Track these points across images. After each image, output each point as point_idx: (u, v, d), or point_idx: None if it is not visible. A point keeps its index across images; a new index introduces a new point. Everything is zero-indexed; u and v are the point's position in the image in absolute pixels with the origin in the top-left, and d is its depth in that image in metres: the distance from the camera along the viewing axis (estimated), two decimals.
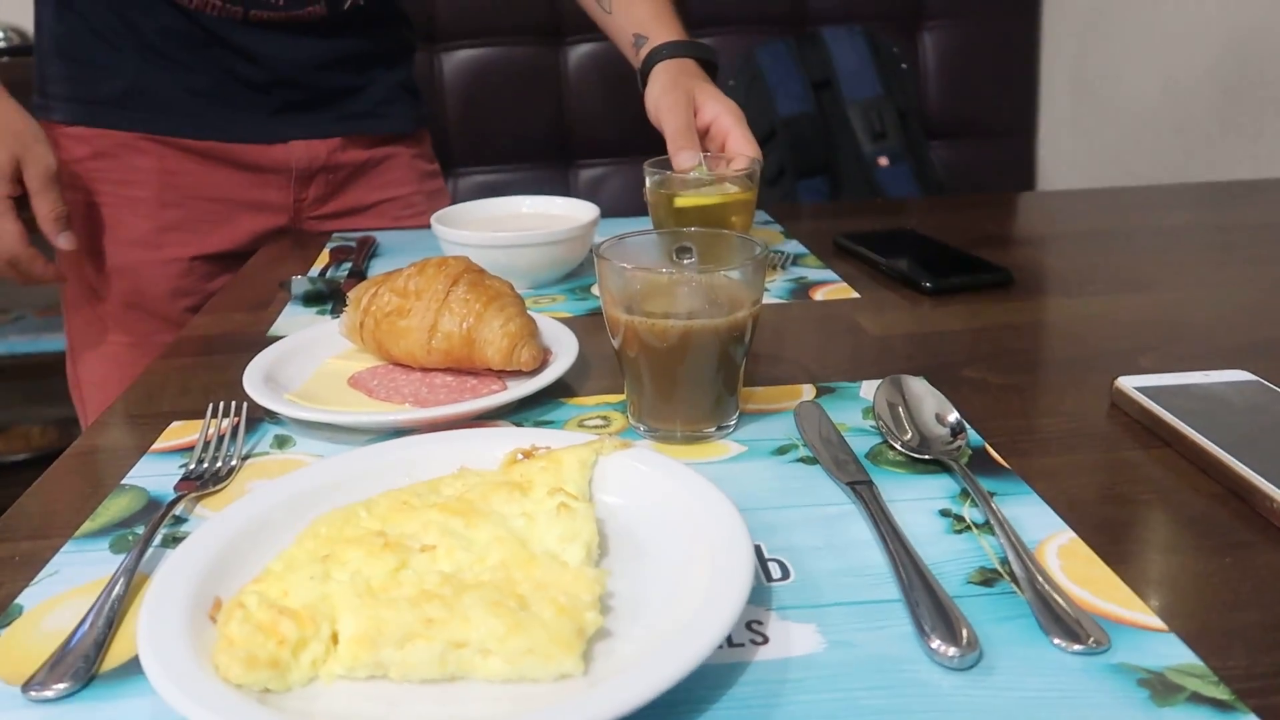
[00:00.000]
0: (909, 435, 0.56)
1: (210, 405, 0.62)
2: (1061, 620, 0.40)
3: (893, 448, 0.56)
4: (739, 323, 0.56)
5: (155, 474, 0.57)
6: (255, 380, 0.63)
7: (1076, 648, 0.39)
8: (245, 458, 0.58)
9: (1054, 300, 0.86)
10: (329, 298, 0.88)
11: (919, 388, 0.61)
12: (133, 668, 0.40)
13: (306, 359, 0.70)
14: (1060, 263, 0.97)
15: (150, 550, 0.48)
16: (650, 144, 0.95)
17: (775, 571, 0.45)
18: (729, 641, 0.40)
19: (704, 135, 0.95)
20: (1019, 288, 0.86)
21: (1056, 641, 0.39)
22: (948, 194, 1.95)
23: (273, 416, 0.63)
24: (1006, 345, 0.74)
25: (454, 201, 1.04)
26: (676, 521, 0.46)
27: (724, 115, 0.94)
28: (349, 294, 0.69)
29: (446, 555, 0.42)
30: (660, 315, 0.55)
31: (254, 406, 0.62)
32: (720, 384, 0.57)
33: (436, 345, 0.65)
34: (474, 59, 1.98)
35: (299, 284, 0.88)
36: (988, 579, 0.44)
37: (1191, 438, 0.54)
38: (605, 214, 0.94)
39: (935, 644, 0.39)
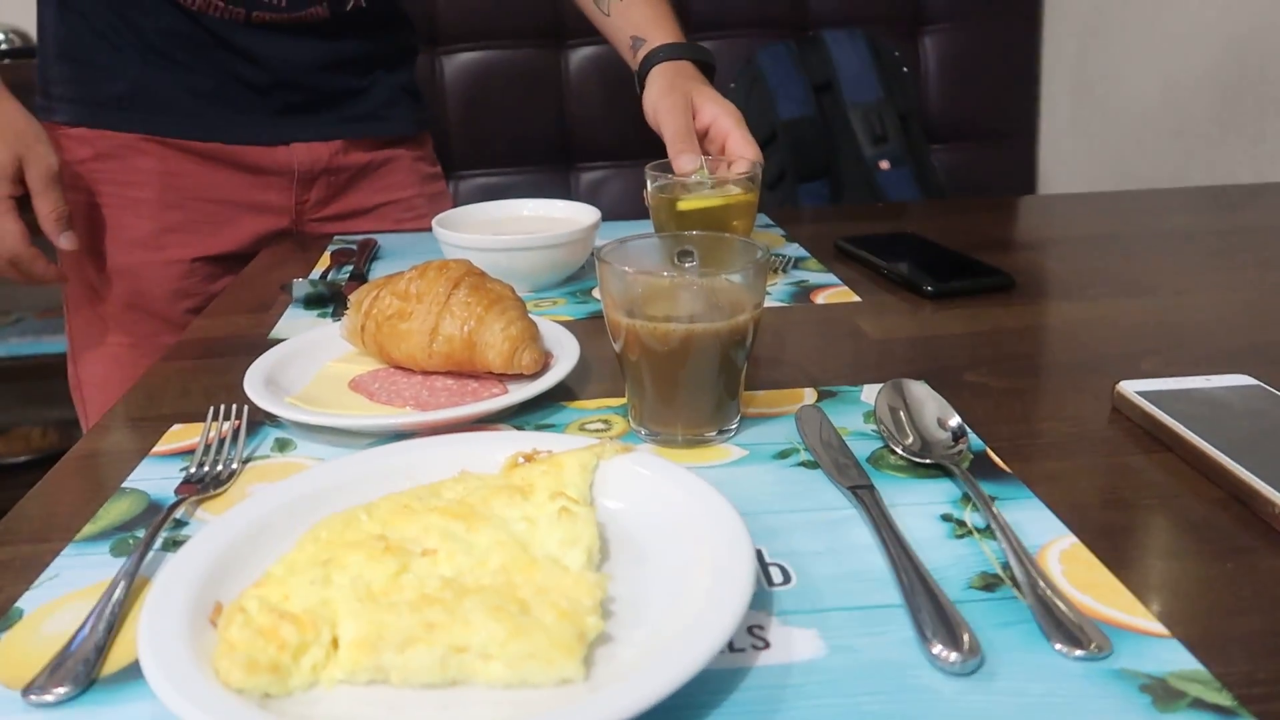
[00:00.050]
0: (910, 439, 0.56)
1: (211, 408, 0.62)
2: (1063, 625, 0.40)
3: (894, 452, 0.56)
4: (740, 326, 0.56)
5: (156, 477, 0.57)
6: (256, 383, 0.63)
7: (1078, 653, 0.39)
8: (246, 461, 0.58)
9: (1055, 304, 0.86)
10: (330, 300, 0.88)
11: (920, 392, 0.61)
12: (133, 672, 0.39)
13: (307, 362, 0.70)
14: (1061, 266, 0.97)
15: (151, 554, 0.48)
16: (651, 147, 0.95)
17: (776, 576, 0.45)
18: (730, 646, 0.40)
19: (703, 137, 0.95)
20: (1020, 291, 0.86)
21: (1058, 647, 0.39)
22: (949, 197, 1.95)
23: (274, 420, 0.63)
24: (1008, 349, 0.74)
25: (455, 204, 1.04)
26: (678, 526, 0.46)
27: (723, 117, 0.94)
28: (350, 297, 0.69)
29: (447, 559, 0.42)
30: (661, 319, 0.55)
31: (255, 409, 0.62)
32: (721, 388, 0.57)
33: (437, 348, 0.65)
34: (475, 61, 1.98)
35: (300, 287, 0.88)
36: (989, 584, 0.44)
37: (1193, 442, 0.54)
38: (606, 216, 0.94)
39: (937, 649, 0.39)
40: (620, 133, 1.89)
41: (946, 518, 0.49)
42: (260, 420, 0.63)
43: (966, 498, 0.51)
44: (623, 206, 1.72)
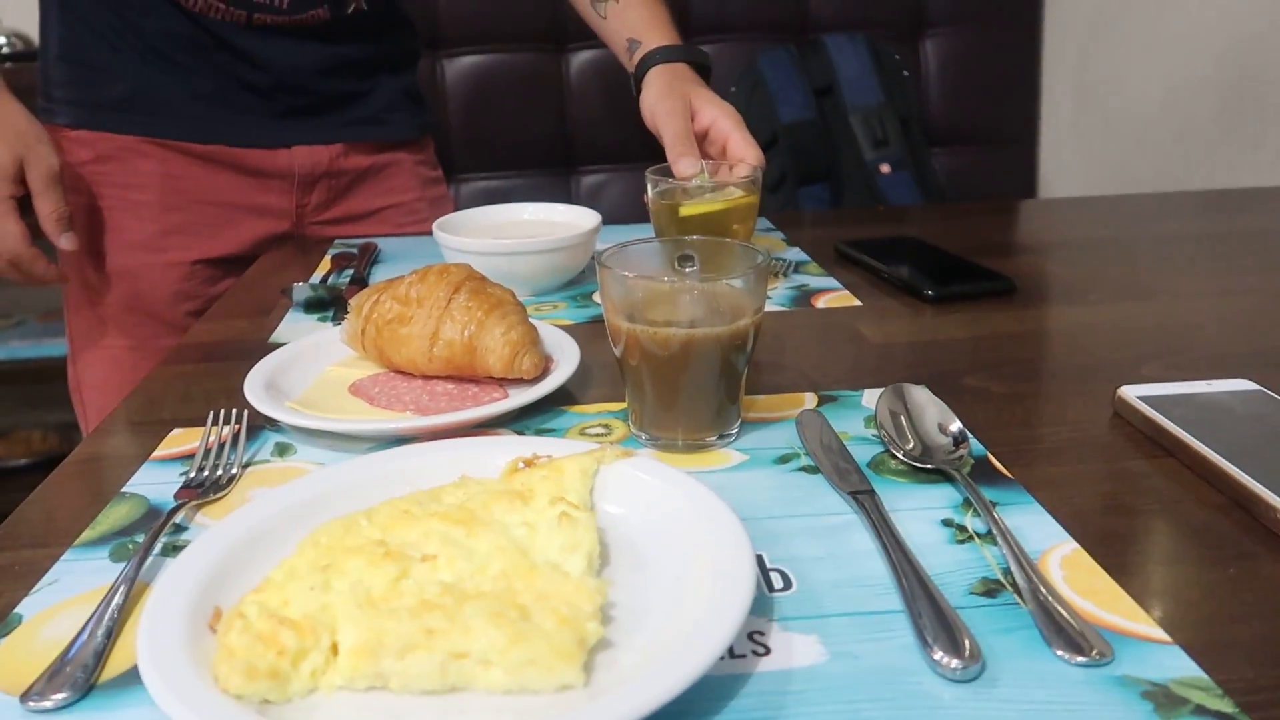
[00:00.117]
0: (911, 444, 0.56)
1: (211, 413, 0.62)
2: (1065, 632, 0.40)
3: (895, 457, 0.56)
4: (741, 331, 0.55)
5: (156, 482, 0.57)
6: (256, 387, 0.63)
7: (1080, 659, 0.39)
8: (246, 465, 0.58)
9: (1056, 308, 0.86)
10: (330, 305, 0.88)
11: (921, 396, 0.60)
12: (132, 678, 0.39)
13: (308, 366, 0.70)
14: (1062, 271, 0.97)
15: (150, 559, 0.48)
16: (651, 150, 0.95)
17: (777, 581, 0.45)
18: (731, 652, 0.40)
19: (702, 139, 0.94)
20: (1021, 296, 0.86)
21: (1060, 653, 0.39)
22: (949, 201, 1.95)
23: (274, 424, 0.63)
24: (1009, 354, 0.74)
25: (456, 208, 1.04)
26: (678, 531, 0.46)
27: (722, 118, 0.93)
28: (350, 301, 0.69)
29: (447, 565, 0.42)
30: (662, 323, 0.55)
31: (255, 414, 0.62)
32: (722, 392, 0.57)
33: (438, 353, 0.65)
34: (476, 65, 1.98)
35: (300, 291, 0.88)
36: (990, 590, 0.44)
37: (1195, 447, 0.54)
38: (607, 219, 0.94)
39: (938, 655, 0.39)
40: (621, 136, 1.89)
41: (947, 523, 0.49)
42: (260, 425, 0.63)
43: (967, 503, 0.51)
44: (623, 209, 1.72)
